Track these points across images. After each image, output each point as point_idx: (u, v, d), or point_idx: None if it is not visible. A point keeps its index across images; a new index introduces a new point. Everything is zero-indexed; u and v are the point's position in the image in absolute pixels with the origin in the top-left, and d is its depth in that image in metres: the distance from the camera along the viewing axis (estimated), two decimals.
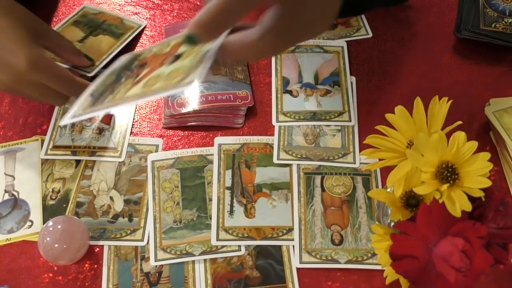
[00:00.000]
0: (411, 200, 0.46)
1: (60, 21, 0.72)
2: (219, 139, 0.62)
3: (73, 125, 0.63)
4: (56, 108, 0.65)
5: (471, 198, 0.42)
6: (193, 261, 0.54)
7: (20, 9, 0.54)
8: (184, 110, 0.61)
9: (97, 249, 0.56)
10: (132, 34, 0.70)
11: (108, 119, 0.64)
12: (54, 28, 0.70)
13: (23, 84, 0.53)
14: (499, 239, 0.43)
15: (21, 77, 0.52)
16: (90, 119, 0.64)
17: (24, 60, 0.51)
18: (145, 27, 0.72)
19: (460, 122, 0.45)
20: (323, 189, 0.58)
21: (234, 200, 0.58)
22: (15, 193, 0.59)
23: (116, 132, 0.63)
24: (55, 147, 0.62)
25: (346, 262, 0.54)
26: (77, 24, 0.71)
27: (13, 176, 0.60)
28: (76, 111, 0.43)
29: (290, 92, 0.65)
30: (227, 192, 0.58)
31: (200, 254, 0.54)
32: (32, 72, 0.52)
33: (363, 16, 0.72)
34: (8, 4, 0.53)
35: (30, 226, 0.57)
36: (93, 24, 0.71)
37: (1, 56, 0.51)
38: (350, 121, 0.62)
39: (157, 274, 0.54)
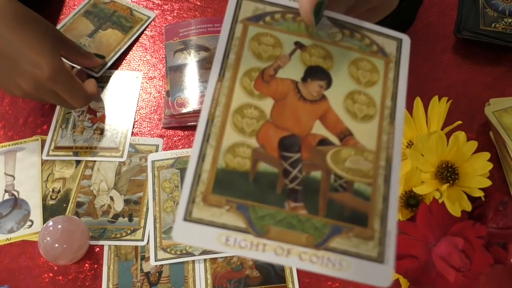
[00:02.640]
0: (411, 200, 0.46)
1: (61, 21, 0.73)
2: None
3: (74, 125, 0.63)
4: (57, 109, 0.65)
5: (471, 198, 0.42)
6: (193, 261, 0.54)
7: (42, 21, 0.56)
8: (184, 110, 0.61)
9: (97, 249, 0.56)
10: (140, 27, 0.71)
11: (103, 117, 0.64)
12: (66, 19, 0.71)
13: (41, 92, 0.55)
14: (499, 239, 0.43)
15: (41, 86, 0.54)
16: (91, 119, 0.64)
17: (46, 71, 0.53)
18: (153, 19, 0.73)
19: (460, 122, 0.45)
20: None
21: None
22: (15, 193, 0.59)
23: (117, 132, 0.63)
24: (57, 148, 0.62)
25: None
26: (88, 15, 0.71)
27: (13, 176, 0.60)
28: None
29: None
30: None
31: (200, 254, 0.55)
32: (51, 82, 0.54)
33: None
34: (30, 16, 0.55)
35: (30, 226, 0.57)
36: (104, 15, 0.71)
37: (24, 66, 0.53)
38: None
39: (157, 274, 0.54)
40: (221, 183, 0.29)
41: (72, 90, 0.56)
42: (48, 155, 0.61)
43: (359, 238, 0.29)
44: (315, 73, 0.32)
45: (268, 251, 0.27)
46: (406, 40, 0.34)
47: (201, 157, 0.29)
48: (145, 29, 0.72)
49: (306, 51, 0.33)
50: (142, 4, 0.74)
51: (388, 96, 0.32)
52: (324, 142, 0.31)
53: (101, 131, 0.63)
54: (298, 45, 0.33)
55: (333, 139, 0.31)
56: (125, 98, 0.66)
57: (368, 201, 0.29)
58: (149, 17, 0.72)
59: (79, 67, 0.65)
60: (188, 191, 0.28)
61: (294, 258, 0.28)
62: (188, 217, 0.28)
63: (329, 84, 0.32)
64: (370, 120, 0.32)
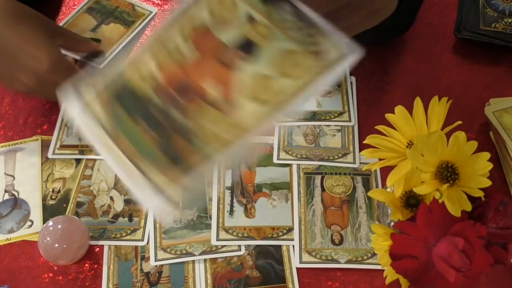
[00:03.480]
0: (411, 200, 0.46)
1: (60, 20, 0.72)
2: None
3: None
4: (62, 107, 0.65)
5: (471, 198, 0.42)
6: (193, 261, 0.54)
7: (37, 15, 0.57)
8: None
9: (97, 249, 0.56)
10: (142, 22, 0.72)
11: None
12: (69, 16, 0.72)
13: (43, 85, 0.55)
14: (499, 239, 0.43)
15: (42, 79, 0.54)
16: None
17: (45, 63, 0.53)
18: (155, 14, 0.73)
19: (460, 122, 0.45)
20: (323, 189, 0.58)
21: (234, 200, 0.58)
22: (15, 193, 0.59)
23: None
24: (62, 146, 0.62)
25: (346, 262, 0.54)
26: (90, 11, 0.72)
27: (13, 176, 0.60)
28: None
29: None
30: (227, 192, 0.58)
31: (200, 254, 0.54)
32: (53, 74, 0.54)
33: None
34: (26, 12, 0.56)
35: (30, 226, 0.57)
36: (106, 11, 0.72)
37: (23, 60, 0.53)
38: (350, 121, 0.62)
39: (157, 274, 0.54)
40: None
41: None
42: (54, 153, 0.61)
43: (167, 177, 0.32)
44: (246, 45, 0.33)
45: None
46: (352, 54, 0.34)
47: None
48: (147, 24, 0.72)
49: (253, 24, 0.34)
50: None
51: (290, 92, 0.33)
52: (209, 100, 0.33)
53: None
54: (250, 18, 0.34)
55: (219, 101, 0.32)
56: None
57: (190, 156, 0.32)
58: (151, 12, 0.73)
59: (79, 58, 0.65)
60: None
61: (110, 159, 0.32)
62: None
63: (252, 61, 0.33)
64: (262, 105, 0.33)
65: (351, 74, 0.67)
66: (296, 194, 0.58)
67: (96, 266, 0.55)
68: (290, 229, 0.56)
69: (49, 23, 0.58)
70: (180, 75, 0.33)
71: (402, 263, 0.43)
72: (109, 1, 0.74)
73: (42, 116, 0.65)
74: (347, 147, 0.61)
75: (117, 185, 0.59)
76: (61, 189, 0.59)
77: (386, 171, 0.47)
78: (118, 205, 0.58)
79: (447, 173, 0.43)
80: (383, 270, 0.49)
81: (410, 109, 0.48)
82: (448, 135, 0.44)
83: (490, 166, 0.42)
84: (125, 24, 0.71)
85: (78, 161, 0.61)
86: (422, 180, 0.44)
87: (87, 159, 0.61)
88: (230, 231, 0.56)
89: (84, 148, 0.62)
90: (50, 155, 0.61)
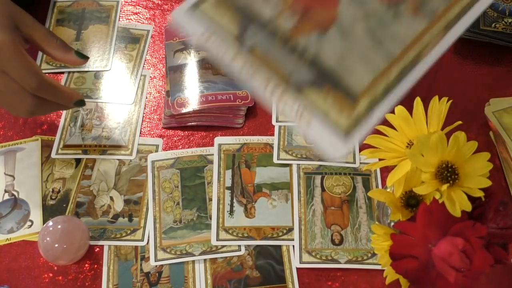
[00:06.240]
0: (411, 200, 0.46)
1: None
2: (219, 139, 0.62)
3: (82, 124, 0.63)
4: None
5: (471, 198, 0.42)
6: (193, 261, 0.54)
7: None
8: (184, 110, 0.61)
9: (97, 249, 0.56)
10: (115, 12, 0.72)
11: (112, 115, 0.64)
12: None
13: None
14: (499, 239, 0.43)
15: None
16: (99, 117, 0.64)
17: None
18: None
19: (460, 122, 0.45)
20: (323, 189, 0.58)
21: (234, 200, 0.58)
22: (15, 193, 0.59)
23: (126, 130, 0.63)
24: (66, 146, 0.62)
25: (346, 262, 0.54)
26: (62, 22, 0.70)
27: (13, 176, 0.60)
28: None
29: None
30: (227, 192, 0.58)
31: (200, 254, 0.54)
32: None
33: None
34: None
35: (30, 226, 0.57)
36: (76, 16, 0.71)
37: None
38: None
39: (157, 274, 0.54)
40: None
41: (24, 70, 0.47)
42: (57, 153, 0.61)
43: (336, 102, 0.27)
44: None
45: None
46: None
47: None
48: (121, 9, 0.72)
49: None
50: (142, 5, 0.74)
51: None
52: None
53: (110, 129, 0.63)
54: None
55: None
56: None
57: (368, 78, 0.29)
58: (117, 1, 0.73)
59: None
60: None
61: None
62: (196, 6, 0.30)
63: None
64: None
65: None
66: (296, 194, 0.58)
67: (96, 266, 0.55)
68: (290, 229, 0.56)
69: (15, 10, 0.49)
70: None
71: (402, 263, 0.43)
72: (71, 6, 0.72)
73: (42, 116, 0.65)
74: None
75: (117, 185, 0.59)
76: (61, 189, 0.59)
77: (386, 171, 0.47)
78: (118, 205, 0.58)
79: (447, 173, 0.43)
80: (383, 270, 0.49)
81: (410, 109, 0.48)
82: (448, 135, 0.44)
83: (490, 166, 0.42)
84: (102, 22, 0.70)
85: (78, 161, 0.61)
86: (422, 180, 0.44)
87: (87, 159, 0.61)
88: (230, 231, 0.56)
89: (87, 148, 0.62)
90: (53, 155, 0.61)
